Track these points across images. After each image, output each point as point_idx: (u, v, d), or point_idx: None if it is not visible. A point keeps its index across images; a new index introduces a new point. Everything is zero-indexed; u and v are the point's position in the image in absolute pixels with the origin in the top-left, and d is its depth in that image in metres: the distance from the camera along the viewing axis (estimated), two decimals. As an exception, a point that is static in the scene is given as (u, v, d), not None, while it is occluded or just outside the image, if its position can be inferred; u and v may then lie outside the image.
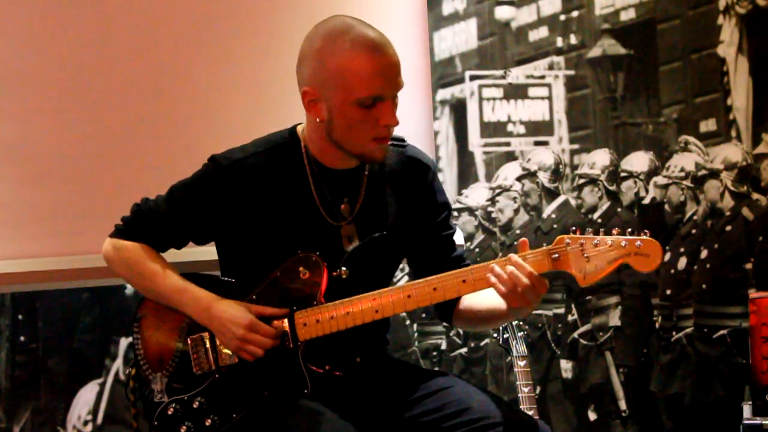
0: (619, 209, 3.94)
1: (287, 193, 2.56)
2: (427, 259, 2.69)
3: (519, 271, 2.41)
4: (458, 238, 3.51)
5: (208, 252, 2.74)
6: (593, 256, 2.40)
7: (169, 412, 2.55)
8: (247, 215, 2.55)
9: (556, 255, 2.42)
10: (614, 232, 2.41)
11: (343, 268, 2.55)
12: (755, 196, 3.88)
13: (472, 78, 3.95)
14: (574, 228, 2.44)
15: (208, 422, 2.53)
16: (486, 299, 2.62)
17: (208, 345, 2.56)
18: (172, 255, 2.70)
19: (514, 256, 2.43)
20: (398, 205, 2.63)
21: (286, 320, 2.52)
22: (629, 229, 2.41)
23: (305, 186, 2.57)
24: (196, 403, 2.54)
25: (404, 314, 3.87)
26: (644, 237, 2.39)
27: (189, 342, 2.57)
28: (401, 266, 2.80)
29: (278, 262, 2.54)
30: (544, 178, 3.95)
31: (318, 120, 2.50)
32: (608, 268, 2.40)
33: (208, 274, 2.65)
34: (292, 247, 2.54)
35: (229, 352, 2.54)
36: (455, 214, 3.93)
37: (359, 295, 2.51)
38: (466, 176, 3.95)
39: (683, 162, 3.92)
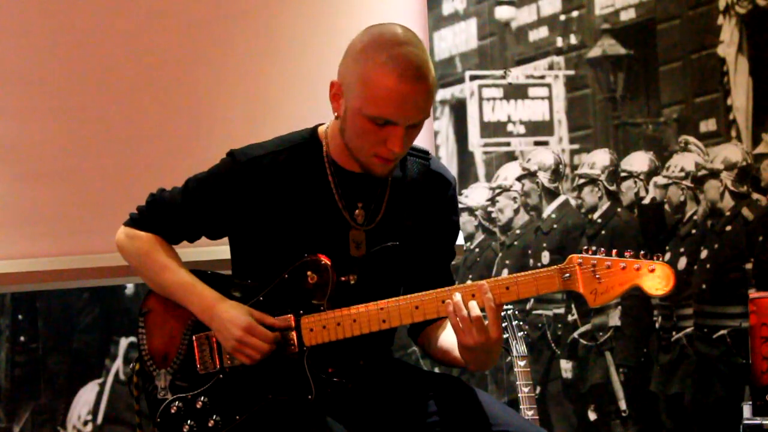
0: (619, 209, 3.94)
1: (304, 192, 2.53)
2: (422, 278, 2.61)
3: (474, 307, 2.36)
4: (458, 238, 3.51)
5: (218, 251, 2.73)
6: (605, 277, 2.36)
7: (172, 411, 2.54)
8: (262, 212, 2.54)
9: (568, 275, 2.38)
10: (627, 254, 2.38)
11: (352, 274, 2.54)
12: (755, 196, 3.88)
13: (472, 78, 3.95)
14: (586, 247, 2.41)
15: (210, 423, 2.52)
16: (452, 338, 2.53)
17: (213, 345, 2.55)
18: (183, 254, 2.70)
19: (483, 290, 2.37)
20: (415, 218, 2.59)
21: (293, 324, 2.51)
22: (642, 252, 2.38)
23: (324, 184, 2.53)
24: (200, 402, 2.54)
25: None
26: (657, 261, 2.36)
27: (194, 340, 2.57)
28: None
29: (289, 259, 2.52)
30: (544, 178, 3.95)
31: (335, 115, 2.48)
32: (619, 290, 2.37)
33: (218, 273, 2.64)
34: (302, 245, 2.52)
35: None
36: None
37: (367, 303, 2.49)
38: (466, 176, 3.95)
39: (683, 162, 3.92)
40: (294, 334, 2.50)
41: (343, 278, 2.51)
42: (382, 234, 2.56)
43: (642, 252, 2.38)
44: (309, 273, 2.50)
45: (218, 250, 2.75)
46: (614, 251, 2.39)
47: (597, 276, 2.36)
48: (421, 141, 3.46)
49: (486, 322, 2.37)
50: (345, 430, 2.44)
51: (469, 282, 2.43)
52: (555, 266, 2.39)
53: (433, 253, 2.64)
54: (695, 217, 3.91)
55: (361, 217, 2.55)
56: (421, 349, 2.69)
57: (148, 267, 2.61)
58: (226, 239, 2.67)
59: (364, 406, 2.57)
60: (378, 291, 2.51)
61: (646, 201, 3.94)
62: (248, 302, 2.54)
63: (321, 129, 2.59)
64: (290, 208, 2.53)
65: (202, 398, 2.54)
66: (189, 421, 2.53)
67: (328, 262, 2.49)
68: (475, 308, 2.36)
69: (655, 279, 2.34)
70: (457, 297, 2.38)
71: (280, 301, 2.52)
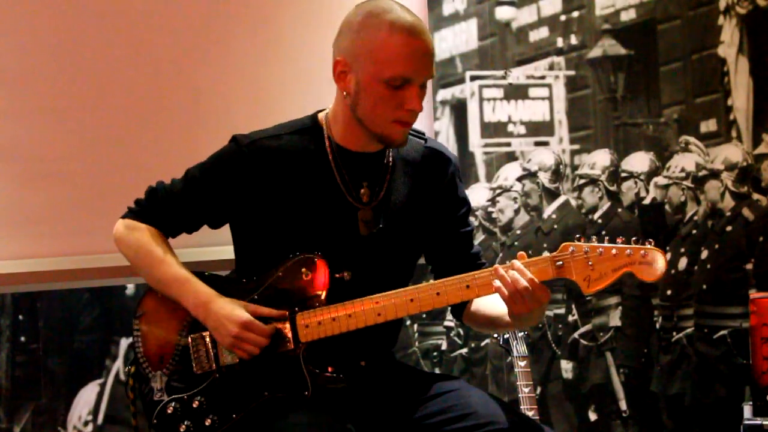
0: (619, 209, 3.94)
1: (307, 174, 2.56)
2: (445, 255, 2.68)
3: (520, 276, 2.41)
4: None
5: (219, 251, 2.73)
6: (597, 264, 2.40)
7: (169, 411, 2.55)
8: (266, 195, 2.55)
9: (560, 262, 2.42)
10: (618, 240, 2.41)
11: (346, 271, 2.55)
12: (756, 196, 3.88)
13: (473, 78, 3.95)
14: (578, 235, 2.45)
15: (207, 422, 2.52)
16: (494, 305, 2.63)
17: (209, 344, 2.56)
18: (184, 255, 2.70)
19: (516, 262, 2.44)
20: (416, 196, 2.63)
21: (287, 321, 2.52)
22: (634, 238, 2.41)
23: (326, 167, 2.56)
24: (196, 402, 2.54)
25: (404, 314, 3.87)
26: (648, 246, 2.39)
27: (190, 340, 2.57)
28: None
29: (295, 242, 2.53)
30: (544, 178, 3.95)
31: (345, 93, 2.52)
32: (612, 277, 2.40)
33: (214, 274, 2.64)
34: (308, 227, 2.54)
35: (229, 351, 2.54)
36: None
37: (362, 297, 2.50)
38: (466, 176, 3.94)
39: (684, 162, 3.92)
40: (289, 330, 2.51)
41: (337, 275, 2.52)
42: (388, 211, 2.58)
43: (633, 238, 2.40)
44: (303, 270, 2.51)
45: (219, 250, 2.76)
46: (606, 238, 2.41)
47: (590, 263, 2.40)
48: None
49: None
50: (340, 426, 2.43)
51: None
52: (548, 255, 2.42)
53: (450, 231, 2.68)
54: (696, 218, 3.91)
55: (366, 196, 2.58)
56: (467, 325, 2.74)
57: (146, 259, 2.61)
58: (228, 237, 2.67)
59: (365, 406, 2.57)
60: (374, 285, 2.52)
61: (647, 201, 3.93)
62: (242, 300, 2.54)
63: (321, 115, 2.62)
64: (295, 190, 2.55)
65: (199, 398, 2.54)
66: (186, 422, 2.53)
67: (322, 260, 2.50)
68: (519, 281, 2.40)
69: (647, 265, 2.37)
70: (502, 271, 2.42)
71: (274, 299, 2.53)
